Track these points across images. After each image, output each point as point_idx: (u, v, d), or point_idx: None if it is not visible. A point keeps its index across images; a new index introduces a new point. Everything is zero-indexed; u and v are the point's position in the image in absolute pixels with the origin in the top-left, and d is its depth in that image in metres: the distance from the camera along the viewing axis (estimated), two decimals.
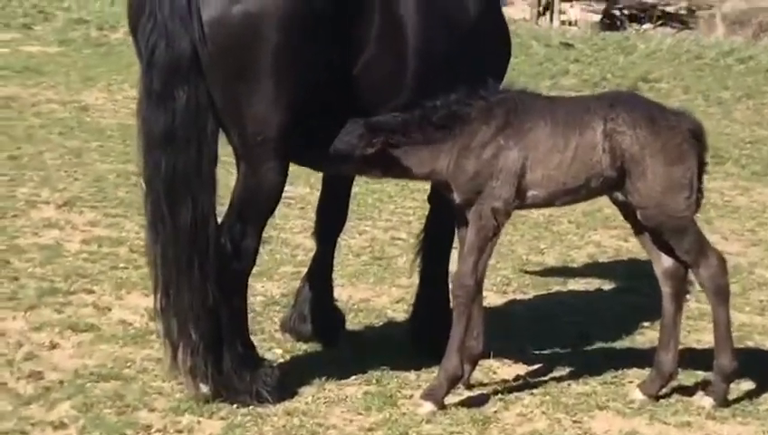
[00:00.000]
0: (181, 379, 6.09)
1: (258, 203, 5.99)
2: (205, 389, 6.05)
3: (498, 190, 6.00)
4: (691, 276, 6.34)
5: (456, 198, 6.09)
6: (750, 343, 7.50)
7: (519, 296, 8.21)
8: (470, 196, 6.03)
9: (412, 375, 6.58)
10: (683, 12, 28.74)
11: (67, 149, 11.47)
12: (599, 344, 7.26)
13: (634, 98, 6.40)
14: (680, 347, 6.45)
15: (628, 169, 6.06)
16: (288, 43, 5.76)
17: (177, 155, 5.78)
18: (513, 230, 9.52)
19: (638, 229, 6.42)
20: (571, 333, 7.45)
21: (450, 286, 6.41)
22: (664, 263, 6.37)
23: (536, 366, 6.80)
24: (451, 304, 6.28)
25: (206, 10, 5.73)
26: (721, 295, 6.25)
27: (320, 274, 7.08)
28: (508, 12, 28.13)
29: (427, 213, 7.06)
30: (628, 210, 6.31)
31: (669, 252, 6.33)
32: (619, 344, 7.29)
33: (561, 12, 25.61)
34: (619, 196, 6.18)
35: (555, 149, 6.04)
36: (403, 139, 5.98)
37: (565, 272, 8.80)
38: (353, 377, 6.50)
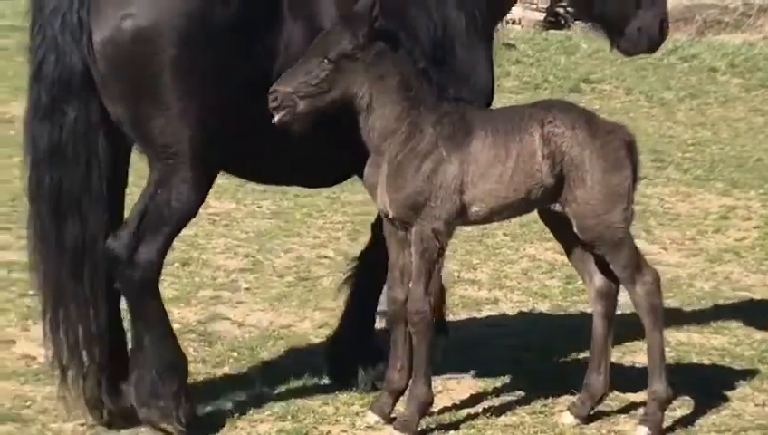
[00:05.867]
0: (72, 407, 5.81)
1: (164, 218, 5.63)
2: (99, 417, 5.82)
3: (438, 210, 5.69)
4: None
5: (389, 210, 5.75)
6: (686, 364, 7.19)
7: (449, 318, 7.85)
8: (408, 216, 5.71)
9: (330, 409, 6.26)
10: None
11: None
12: (530, 371, 6.90)
13: (568, 103, 6.17)
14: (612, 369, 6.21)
15: (567, 173, 5.81)
16: (186, 58, 5.48)
17: (64, 171, 5.54)
18: None
19: (570, 247, 6.18)
20: (502, 359, 7.10)
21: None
22: (596, 282, 6.15)
23: (463, 397, 6.48)
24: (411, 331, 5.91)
25: (97, 28, 5.47)
26: (655, 315, 5.99)
27: None
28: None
29: (367, 238, 6.66)
30: (562, 225, 6.03)
31: (602, 270, 6.09)
32: (550, 371, 6.96)
33: None
34: (557, 207, 5.91)
35: (497, 161, 5.76)
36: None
37: (498, 289, 8.48)
38: (267, 412, 6.16)
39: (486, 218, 5.96)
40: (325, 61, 5.58)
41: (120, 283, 5.65)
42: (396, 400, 6.06)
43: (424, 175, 5.68)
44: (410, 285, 5.83)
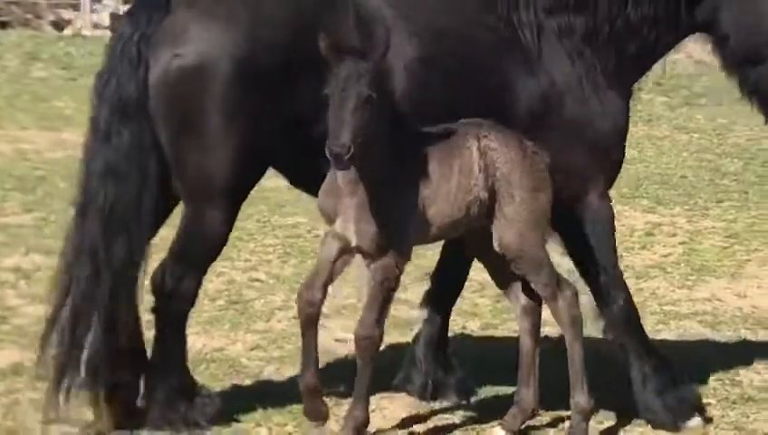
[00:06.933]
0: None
1: (198, 250, 5.98)
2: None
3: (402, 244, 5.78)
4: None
5: (353, 239, 5.73)
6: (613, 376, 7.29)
7: None
8: (374, 248, 5.73)
9: (264, 430, 6.31)
10: None
11: None
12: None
13: (495, 122, 6.15)
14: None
15: (498, 189, 5.91)
16: (229, 100, 5.76)
17: (117, 190, 5.84)
18: None
19: (494, 267, 6.32)
20: None
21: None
22: (521, 300, 6.29)
23: (396, 415, 6.57)
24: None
25: (153, 62, 5.78)
26: (575, 327, 6.15)
27: None
28: None
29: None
30: (485, 246, 6.11)
31: (526, 288, 6.22)
32: (481, 390, 7.03)
33: None
34: (486, 223, 5.99)
35: (444, 180, 5.83)
36: None
37: None
38: None
39: (431, 240, 6.05)
40: (368, 98, 5.45)
41: (160, 313, 6.02)
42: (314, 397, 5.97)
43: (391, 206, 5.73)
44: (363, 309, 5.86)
